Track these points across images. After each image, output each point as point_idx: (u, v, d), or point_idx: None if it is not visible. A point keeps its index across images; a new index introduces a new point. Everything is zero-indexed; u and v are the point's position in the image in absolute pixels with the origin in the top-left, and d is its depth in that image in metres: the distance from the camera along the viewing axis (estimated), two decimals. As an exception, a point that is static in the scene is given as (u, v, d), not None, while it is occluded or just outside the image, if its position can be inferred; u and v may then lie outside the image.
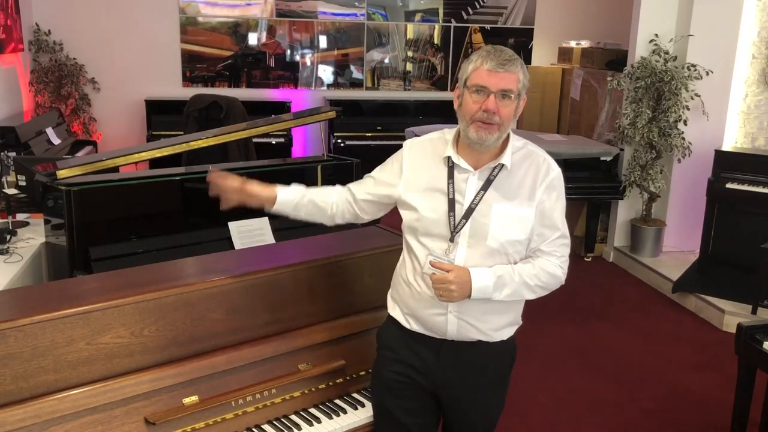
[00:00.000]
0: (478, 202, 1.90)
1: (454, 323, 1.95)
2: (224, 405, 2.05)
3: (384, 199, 2.06)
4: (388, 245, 2.48)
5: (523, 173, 1.94)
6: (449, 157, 1.94)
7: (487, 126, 1.85)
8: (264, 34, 7.65)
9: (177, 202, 3.53)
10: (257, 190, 2.10)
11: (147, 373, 1.97)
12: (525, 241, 1.94)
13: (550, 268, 1.96)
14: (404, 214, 2.00)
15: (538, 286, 1.95)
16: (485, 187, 1.91)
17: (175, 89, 7.53)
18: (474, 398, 2.03)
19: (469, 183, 1.92)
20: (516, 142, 1.97)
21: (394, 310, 2.08)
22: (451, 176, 1.93)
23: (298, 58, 7.81)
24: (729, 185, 4.93)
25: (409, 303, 2.01)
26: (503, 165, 1.92)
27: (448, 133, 2.01)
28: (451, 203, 1.91)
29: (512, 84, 1.85)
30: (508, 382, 2.13)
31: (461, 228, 1.90)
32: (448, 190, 1.92)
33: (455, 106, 1.95)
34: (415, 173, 1.98)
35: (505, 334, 2.05)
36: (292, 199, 2.10)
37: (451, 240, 1.90)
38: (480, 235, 1.90)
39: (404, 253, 2.06)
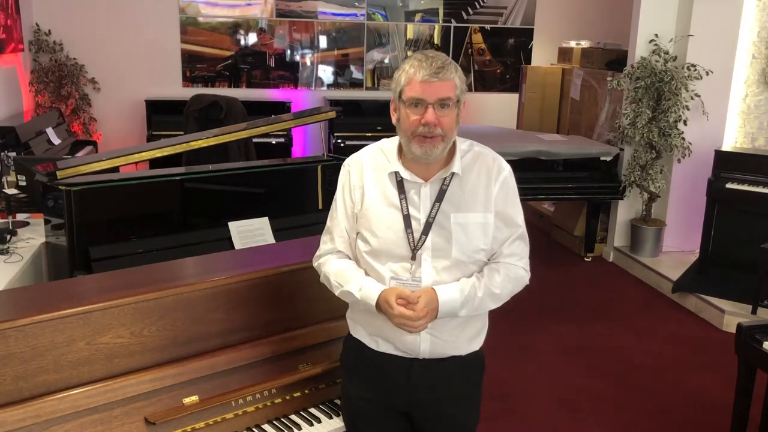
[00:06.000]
0: (435, 215, 1.82)
1: (427, 341, 1.86)
2: (224, 405, 2.05)
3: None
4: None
5: (475, 177, 1.86)
6: (397, 172, 1.85)
7: (430, 140, 1.76)
8: (256, 34, 7.65)
9: (177, 202, 3.53)
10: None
11: (147, 373, 1.97)
12: (489, 247, 1.87)
13: (515, 271, 1.88)
14: (362, 237, 1.88)
15: (505, 294, 1.88)
16: (440, 198, 1.83)
17: (175, 89, 7.52)
18: (446, 414, 1.95)
19: (422, 196, 1.83)
20: (461, 145, 1.89)
21: (357, 331, 1.97)
22: (402, 191, 1.84)
23: (298, 58, 7.81)
24: (729, 185, 4.93)
25: (375, 324, 1.89)
26: (454, 173, 1.84)
27: (386, 143, 1.93)
28: (407, 220, 1.82)
29: (449, 92, 1.76)
30: (480, 394, 2.05)
31: (422, 244, 1.82)
32: (402, 206, 1.83)
33: (393, 121, 1.85)
34: (364, 193, 1.88)
35: (476, 344, 1.97)
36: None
37: (413, 258, 1.82)
38: (444, 249, 1.82)
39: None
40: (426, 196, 1.84)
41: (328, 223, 1.99)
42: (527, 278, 1.93)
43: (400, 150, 1.87)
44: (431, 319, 1.79)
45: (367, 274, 1.89)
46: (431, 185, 1.84)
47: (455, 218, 1.83)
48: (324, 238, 2.00)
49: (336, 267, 1.92)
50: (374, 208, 1.86)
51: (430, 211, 1.83)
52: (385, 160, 1.89)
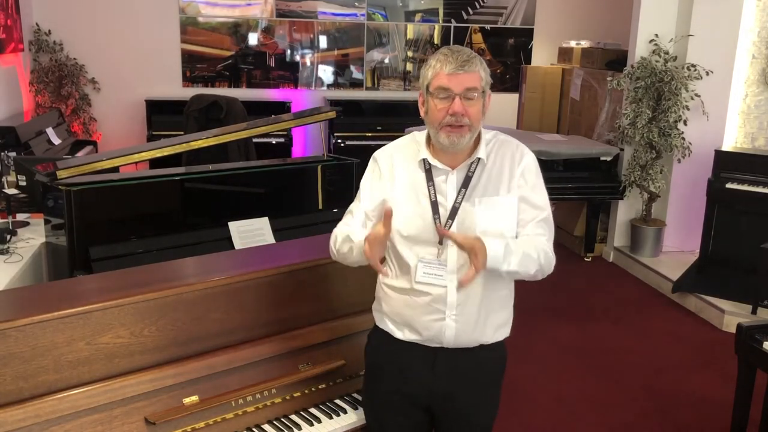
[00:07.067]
0: (461, 200, 1.88)
1: (452, 329, 1.90)
2: (224, 405, 2.06)
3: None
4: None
5: (499, 164, 1.93)
6: (425, 160, 1.92)
7: (457, 129, 1.83)
8: (257, 34, 7.65)
9: (177, 202, 3.53)
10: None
11: (147, 373, 1.97)
12: (513, 230, 1.91)
13: (543, 244, 1.92)
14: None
15: (539, 260, 1.88)
16: (465, 185, 1.90)
17: (175, 89, 7.52)
18: (466, 406, 1.98)
19: (448, 183, 1.91)
20: (486, 134, 1.96)
21: (383, 323, 2.02)
22: (429, 178, 1.91)
23: (298, 58, 7.81)
24: (729, 185, 4.93)
25: (402, 312, 1.95)
26: (480, 159, 1.91)
27: (418, 135, 1.99)
28: (435, 206, 1.89)
29: (475, 82, 1.83)
30: (500, 389, 2.08)
31: (449, 229, 1.87)
32: (429, 192, 1.90)
33: (421, 114, 1.92)
34: (393, 182, 1.95)
35: (501, 334, 2.00)
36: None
37: (440, 242, 1.87)
38: (469, 232, 1.86)
39: (390, 263, 1.98)
40: (453, 183, 1.91)
41: (351, 206, 2.05)
42: (553, 259, 1.95)
43: (428, 140, 1.94)
44: (482, 265, 1.76)
45: (392, 260, 1.95)
46: (458, 172, 1.91)
47: (480, 202, 1.89)
48: (344, 219, 2.06)
49: (342, 230, 2.00)
50: (403, 195, 1.93)
51: (456, 197, 1.89)
52: (416, 148, 1.96)
